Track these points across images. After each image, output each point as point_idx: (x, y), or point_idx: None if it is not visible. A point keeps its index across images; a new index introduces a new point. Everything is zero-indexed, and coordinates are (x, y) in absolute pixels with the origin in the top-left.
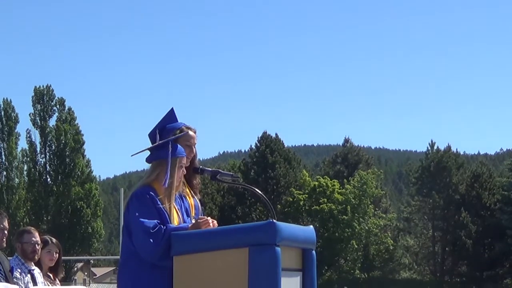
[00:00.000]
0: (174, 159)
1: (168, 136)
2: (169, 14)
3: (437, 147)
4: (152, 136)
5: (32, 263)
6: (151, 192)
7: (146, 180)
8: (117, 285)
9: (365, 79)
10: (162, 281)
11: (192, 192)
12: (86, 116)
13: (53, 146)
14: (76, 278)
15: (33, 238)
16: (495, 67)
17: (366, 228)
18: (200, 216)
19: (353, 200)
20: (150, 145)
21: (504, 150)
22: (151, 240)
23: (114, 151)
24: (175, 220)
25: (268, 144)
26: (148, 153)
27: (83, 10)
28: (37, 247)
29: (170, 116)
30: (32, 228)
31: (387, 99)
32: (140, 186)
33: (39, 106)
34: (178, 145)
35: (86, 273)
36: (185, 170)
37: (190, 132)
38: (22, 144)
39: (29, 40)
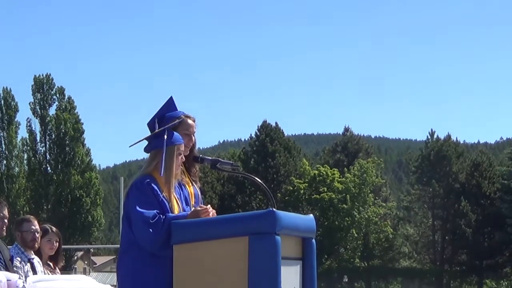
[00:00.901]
0: (171, 147)
1: (167, 125)
2: (167, 1)
3: (437, 136)
4: (151, 125)
5: (32, 251)
6: (150, 181)
7: (146, 170)
8: (117, 274)
9: (365, 67)
10: (162, 270)
11: (191, 180)
12: (86, 105)
13: (53, 135)
14: (76, 267)
15: (33, 227)
16: (495, 56)
17: (366, 216)
18: (199, 205)
19: (353, 189)
20: (149, 134)
21: (504, 139)
22: (151, 230)
23: (114, 140)
24: (175, 209)
25: (268, 133)
26: (146, 142)
27: None
28: (36, 235)
29: (169, 105)
30: (31, 216)
31: (387, 88)
32: (140, 176)
33: (39, 95)
34: (175, 133)
35: (86, 262)
36: (183, 158)
37: (189, 121)
38: (22, 133)
39: (28, 28)
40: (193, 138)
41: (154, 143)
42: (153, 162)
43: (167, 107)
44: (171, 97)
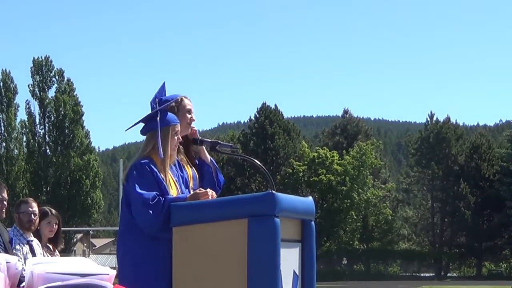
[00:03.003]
0: (166, 128)
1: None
2: None
3: (437, 118)
4: (152, 104)
5: (31, 233)
6: (149, 163)
7: (144, 152)
8: (117, 255)
9: (364, 50)
10: (162, 252)
11: (190, 162)
12: (85, 87)
13: (52, 117)
14: (75, 249)
15: (30, 208)
16: (495, 38)
17: (365, 198)
18: (199, 188)
19: (352, 171)
20: (143, 116)
21: (503, 121)
22: (151, 212)
23: (113, 122)
24: (173, 190)
25: (268, 115)
26: (143, 125)
27: None
28: (33, 217)
29: (162, 89)
30: (30, 198)
31: (387, 70)
32: (139, 158)
33: (38, 77)
34: (169, 113)
35: (85, 244)
36: (180, 138)
37: (186, 100)
38: (21, 115)
39: (27, 11)
40: (193, 116)
41: (149, 125)
42: (150, 144)
43: (160, 92)
44: (163, 83)
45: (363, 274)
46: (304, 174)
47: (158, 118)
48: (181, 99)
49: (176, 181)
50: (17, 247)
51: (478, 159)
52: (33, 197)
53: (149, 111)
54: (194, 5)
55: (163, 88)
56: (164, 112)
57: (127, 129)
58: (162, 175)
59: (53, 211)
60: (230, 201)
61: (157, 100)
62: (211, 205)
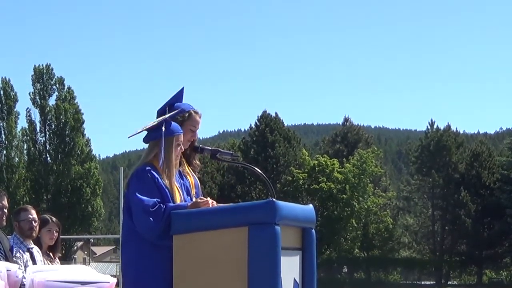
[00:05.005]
0: (170, 138)
1: (168, 115)
2: None
3: (437, 126)
4: (161, 113)
5: (31, 241)
6: (152, 170)
7: (146, 159)
8: (121, 263)
9: (364, 58)
10: (162, 260)
11: (191, 171)
12: (85, 95)
13: (53, 125)
14: (76, 257)
15: (30, 216)
16: (495, 46)
17: (366, 207)
18: (200, 197)
19: (352, 179)
20: (147, 125)
21: (504, 129)
22: (151, 219)
23: (114, 130)
24: (177, 198)
25: (268, 123)
26: (145, 133)
27: None
28: (34, 224)
29: (178, 95)
30: (29, 206)
31: (387, 78)
32: (141, 165)
33: (38, 85)
34: (173, 123)
35: (86, 252)
36: (183, 148)
37: (197, 117)
38: (22, 123)
39: (28, 19)
40: (197, 134)
41: (153, 134)
42: (152, 151)
43: (176, 98)
44: (182, 88)
45: (363, 282)
46: (305, 182)
47: (163, 127)
48: (189, 114)
49: (179, 187)
50: (18, 254)
51: (478, 167)
52: (34, 205)
53: (152, 119)
54: (195, 14)
55: (181, 93)
56: (168, 122)
57: (130, 136)
58: (164, 182)
59: (54, 218)
60: (230, 209)
61: (167, 108)
62: (212, 213)
